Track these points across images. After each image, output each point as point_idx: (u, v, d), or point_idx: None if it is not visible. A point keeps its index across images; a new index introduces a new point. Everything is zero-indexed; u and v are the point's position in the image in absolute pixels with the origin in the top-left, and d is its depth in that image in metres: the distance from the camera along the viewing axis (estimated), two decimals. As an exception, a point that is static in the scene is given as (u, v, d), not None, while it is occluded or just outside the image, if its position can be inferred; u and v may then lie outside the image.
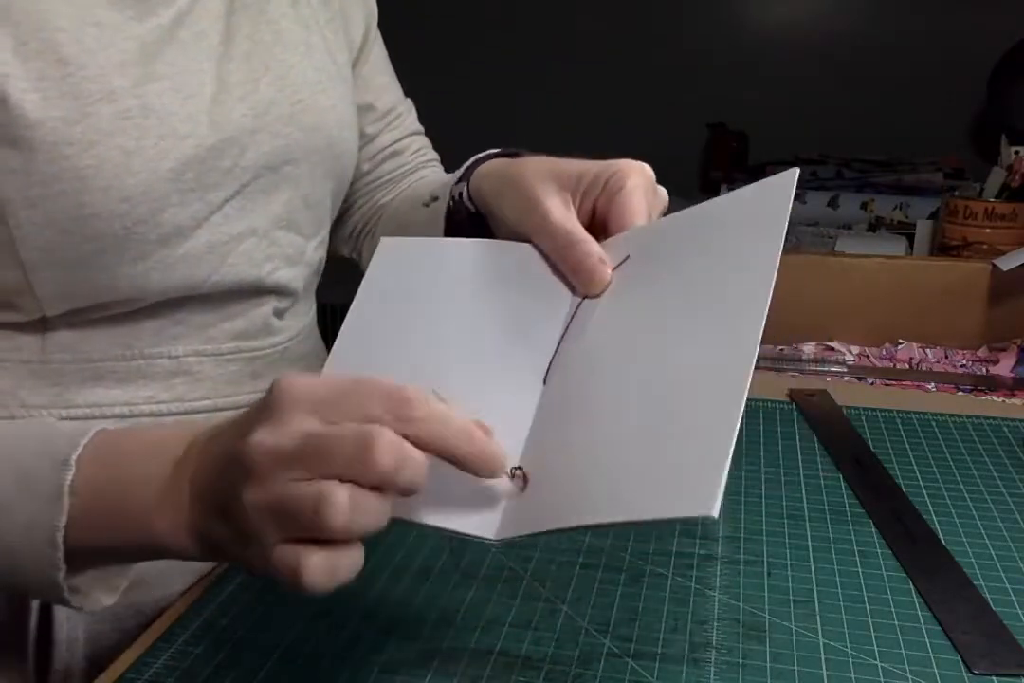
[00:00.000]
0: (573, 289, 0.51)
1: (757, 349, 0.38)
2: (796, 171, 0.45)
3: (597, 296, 0.50)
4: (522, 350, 0.49)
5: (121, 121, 0.53)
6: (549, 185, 0.54)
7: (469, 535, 0.41)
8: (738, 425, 0.36)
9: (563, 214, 0.53)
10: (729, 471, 0.35)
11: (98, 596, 0.46)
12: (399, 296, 0.53)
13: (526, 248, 0.53)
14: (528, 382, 0.47)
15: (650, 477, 0.38)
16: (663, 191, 0.54)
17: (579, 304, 0.50)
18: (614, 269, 0.50)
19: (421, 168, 0.83)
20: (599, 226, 0.53)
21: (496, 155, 0.65)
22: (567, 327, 0.49)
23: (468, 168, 0.64)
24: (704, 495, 0.33)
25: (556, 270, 0.52)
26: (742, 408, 0.36)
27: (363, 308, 0.52)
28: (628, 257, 0.50)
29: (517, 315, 0.51)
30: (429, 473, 0.38)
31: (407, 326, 0.51)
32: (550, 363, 0.48)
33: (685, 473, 0.36)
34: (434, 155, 0.85)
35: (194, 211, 0.57)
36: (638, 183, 0.52)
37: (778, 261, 0.41)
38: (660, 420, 0.40)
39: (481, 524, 0.42)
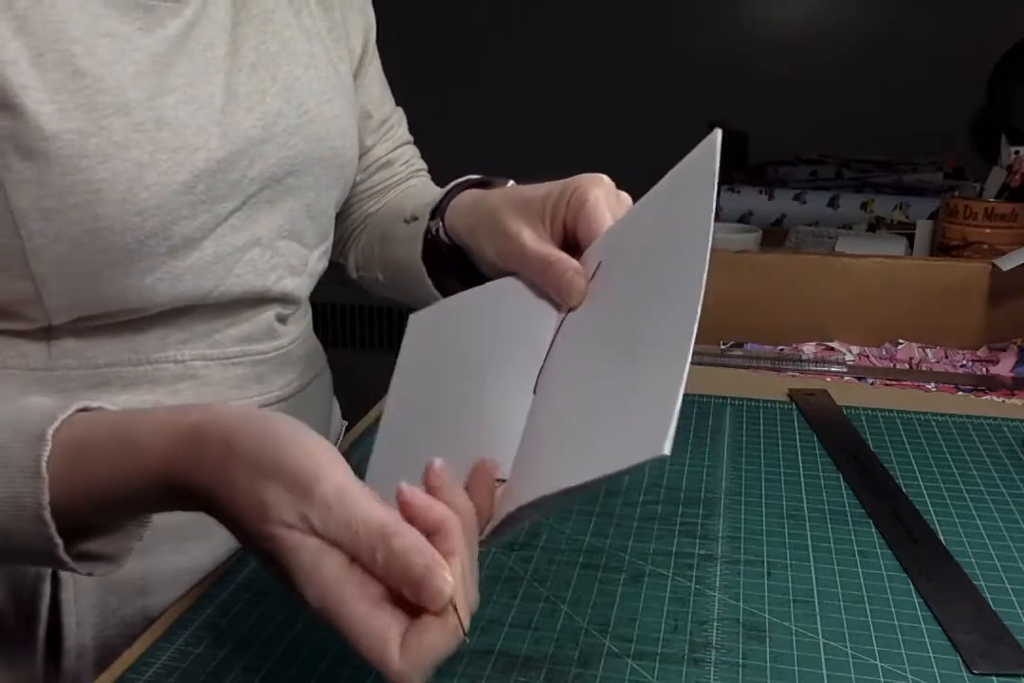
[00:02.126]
0: (559, 306, 0.53)
1: (698, 312, 0.39)
2: (718, 132, 0.46)
3: (577, 306, 0.52)
4: (517, 370, 0.51)
5: (136, 134, 0.53)
6: (518, 216, 0.56)
7: None
8: (685, 377, 0.37)
9: (535, 241, 0.55)
10: (730, 470, 0.35)
11: (113, 558, 0.46)
12: (427, 366, 0.56)
13: (511, 281, 0.56)
14: (522, 396, 0.49)
15: (605, 437, 0.40)
16: (625, 196, 0.56)
17: (563, 318, 0.52)
18: (591, 278, 0.52)
19: (410, 178, 0.84)
20: (572, 241, 0.55)
21: (468, 185, 0.66)
22: (553, 340, 0.51)
23: (443, 200, 0.66)
24: (655, 437, 0.35)
25: (542, 293, 0.54)
26: (687, 361, 0.38)
27: (401, 386, 0.56)
28: (600, 263, 0.52)
29: (514, 342, 0.53)
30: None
31: (436, 389, 0.55)
32: (539, 374, 0.50)
33: (636, 425, 0.38)
34: (422, 164, 0.86)
35: (202, 223, 0.57)
36: (599, 195, 0.53)
37: (711, 227, 0.42)
38: (614, 388, 0.42)
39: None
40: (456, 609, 0.36)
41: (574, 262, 0.52)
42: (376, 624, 0.36)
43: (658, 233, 0.48)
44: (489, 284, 0.58)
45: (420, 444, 0.52)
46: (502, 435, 0.47)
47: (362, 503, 0.37)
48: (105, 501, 0.43)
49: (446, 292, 0.65)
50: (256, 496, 0.38)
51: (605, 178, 0.55)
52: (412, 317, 0.59)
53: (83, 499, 0.42)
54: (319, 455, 0.38)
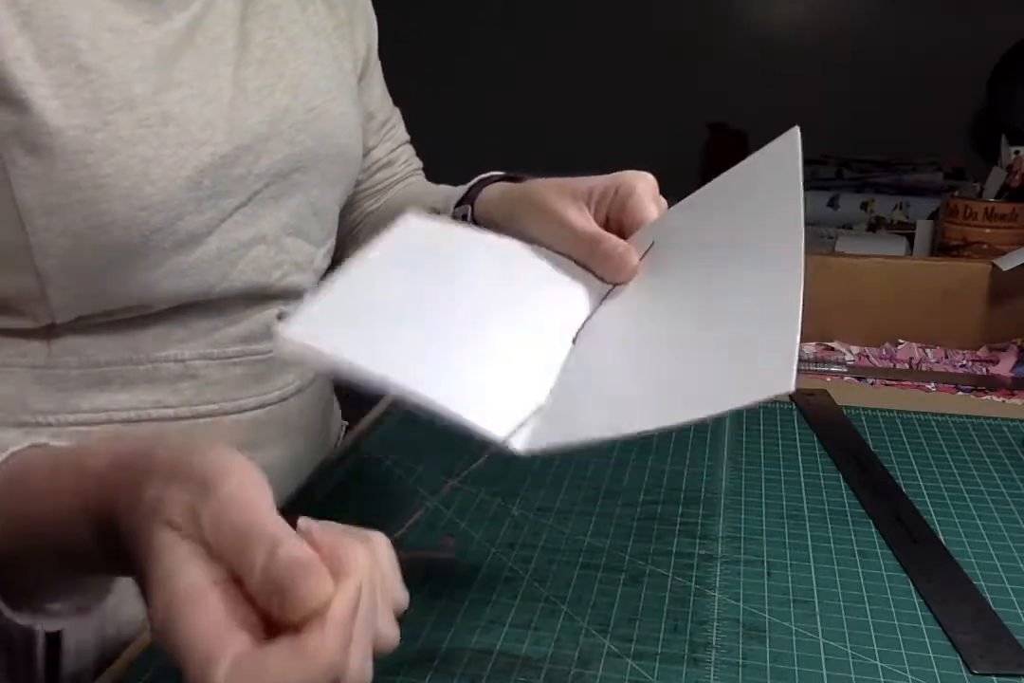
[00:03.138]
0: (600, 282, 0.56)
1: (802, 280, 0.43)
2: (796, 130, 0.50)
3: (625, 282, 0.55)
4: (553, 320, 0.53)
5: (141, 129, 0.53)
6: (564, 198, 0.58)
7: (484, 433, 0.43)
8: (799, 325, 0.40)
9: (583, 220, 0.57)
10: (730, 470, 0.36)
11: (63, 615, 0.43)
12: (419, 261, 0.52)
13: (551, 252, 0.58)
14: (557, 342, 0.52)
15: (718, 373, 0.41)
16: (663, 200, 0.59)
17: (609, 290, 0.55)
18: (641, 257, 0.55)
19: (408, 177, 0.85)
20: (614, 233, 0.57)
21: (497, 178, 0.68)
22: (599, 304, 0.54)
23: (471, 189, 0.67)
24: (781, 375, 0.37)
25: (581, 269, 0.57)
26: (799, 310, 0.41)
27: (376, 263, 0.49)
28: (653, 244, 0.55)
29: (548, 295, 0.55)
30: (465, 360, 0.43)
31: (428, 289, 0.50)
32: (580, 328, 0.52)
33: (753, 362, 0.40)
34: (418, 163, 0.88)
35: (207, 218, 0.57)
36: (646, 189, 0.57)
37: (802, 208, 0.45)
38: (717, 339, 0.44)
39: (503, 426, 0.44)
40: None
41: (623, 241, 0.55)
42: (213, 637, 0.30)
43: (738, 219, 0.51)
44: (518, 241, 0.59)
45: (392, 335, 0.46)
46: (522, 368, 0.49)
47: (266, 514, 0.32)
48: (40, 538, 0.39)
49: None
50: (155, 497, 0.34)
51: (651, 177, 0.59)
52: (410, 214, 0.54)
53: (19, 539, 0.40)
54: (239, 462, 0.35)
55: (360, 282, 0.46)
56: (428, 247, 0.53)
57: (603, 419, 0.43)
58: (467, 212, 0.67)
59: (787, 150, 0.49)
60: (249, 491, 0.33)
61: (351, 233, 0.83)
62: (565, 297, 0.55)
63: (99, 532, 0.37)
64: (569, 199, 0.58)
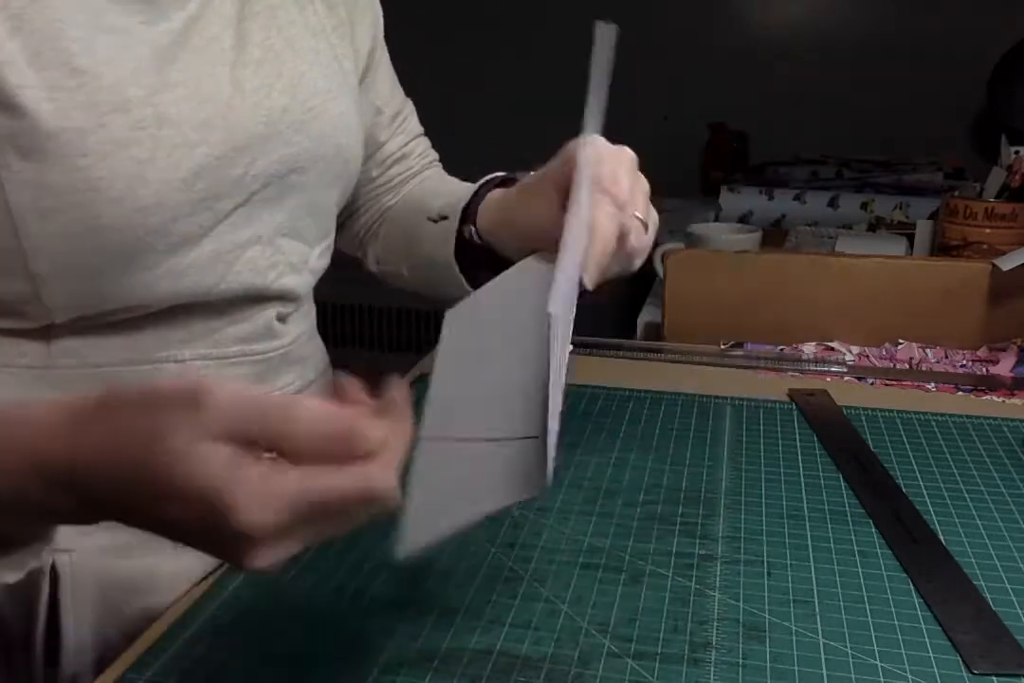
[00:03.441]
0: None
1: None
2: (612, 27, 0.55)
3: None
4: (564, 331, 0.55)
5: (136, 131, 0.53)
6: (538, 198, 0.62)
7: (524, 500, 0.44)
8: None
9: (551, 213, 0.59)
10: (730, 470, 0.36)
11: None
12: (468, 350, 0.57)
13: (534, 261, 0.60)
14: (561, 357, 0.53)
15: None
16: (626, 152, 0.64)
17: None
18: None
19: (424, 170, 0.84)
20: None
21: (499, 181, 0.70)
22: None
23: (474, 197, 0.70)
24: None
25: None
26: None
27: (443, 375, 0.55)
28: None
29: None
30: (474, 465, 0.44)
31: (484, 368, 0.55)
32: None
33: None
34: (434, 155, 0.87)
35: (203, 220, 0.57)
36: (582, 152, 0.59)
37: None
38: None
39: (534, 486, 0.44)
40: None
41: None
42: (327, 471, 0.35)
43: None
44: (512, 267, 0.61)
45: (472, 421, 0.51)
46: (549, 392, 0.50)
47: (259, 397, 0.36)
48: None
49: (478, 286, 0.66)
50: (144, 433, 0.35)
51: (594, 138, 0.62)
52: (449, 315, 0.60)
53: None
54: (207, 381, 0.36)
55: (424, 463, 0.49)
56: (474, 341, 0.57)
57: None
58: (471, 232, 0.69)
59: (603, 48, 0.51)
60: (237, 390, 0.36)
61: (370, 230, 0.82)
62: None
63: (48, 481, 0.38)
64: (542, 198, 0.61)
